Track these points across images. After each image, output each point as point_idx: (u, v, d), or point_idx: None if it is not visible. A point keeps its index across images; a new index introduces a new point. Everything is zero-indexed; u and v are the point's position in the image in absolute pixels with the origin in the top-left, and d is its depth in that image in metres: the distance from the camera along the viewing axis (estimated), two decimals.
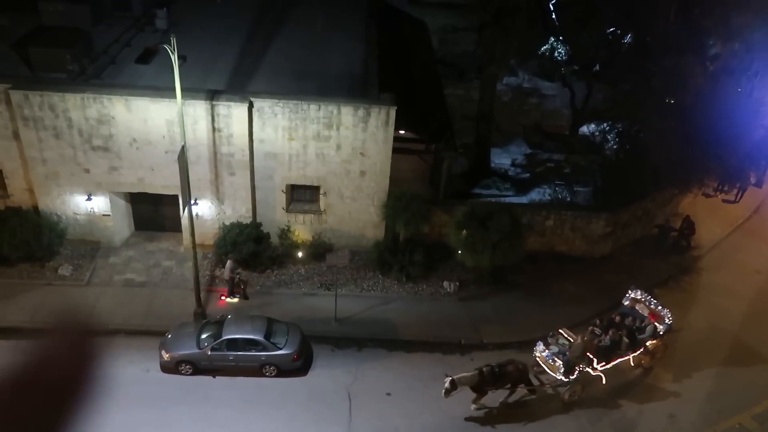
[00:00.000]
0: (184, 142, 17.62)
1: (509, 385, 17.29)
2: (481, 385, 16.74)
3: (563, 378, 17.63)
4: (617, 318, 19.07)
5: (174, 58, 16.12)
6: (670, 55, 25.70)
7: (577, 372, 17.64)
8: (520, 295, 22.10)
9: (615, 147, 27.63)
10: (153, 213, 23.27)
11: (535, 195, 26.28)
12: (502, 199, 25.18)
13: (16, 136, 20.75)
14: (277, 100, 20.62)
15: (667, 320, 18.88)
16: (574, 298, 22.00)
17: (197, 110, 20.24)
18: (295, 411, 17.09)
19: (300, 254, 22.29)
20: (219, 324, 18.46)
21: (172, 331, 18.54)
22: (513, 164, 28.60)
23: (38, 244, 20.87)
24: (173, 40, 16.02)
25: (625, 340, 18.46)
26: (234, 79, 22.52)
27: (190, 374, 17.87)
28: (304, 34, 26.53)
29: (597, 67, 29.20)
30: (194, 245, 18.59)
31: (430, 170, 25.72)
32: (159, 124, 20.39)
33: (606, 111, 28.87)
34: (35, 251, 20.93)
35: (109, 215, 22.07)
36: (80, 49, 22.30)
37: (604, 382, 18.10)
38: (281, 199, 22.47)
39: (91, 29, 24.06)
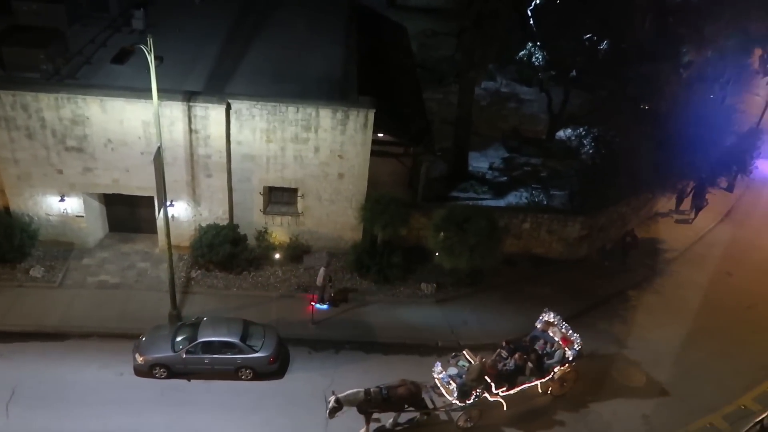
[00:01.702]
0: (160, 144, 17.44)
1: (406, 408, 16.48)
2: (366, 405, 15.80)
3: (457, 402, 16.82)
4: (526, 341, 18.63)
5: (150, 58, 15.97)
6: (645, 62, 26.14)
7: (473, 396, 16.89)
8: (497, 297, 22.22)
9: (591, 152, 27.91)
10: (128, 214, 22.98)
11: (512, 198, 26.46)
12: (480, 202, 25.33)
13: None
14: (255, 102, 20.51)
15: (576, 346, 18.03)
16: (550, 300, 22.11)
17: (174, 111, 20.05)
18: (271, 414, 16.95)
19: (277, 256, 22.18)
20: (194, 326, 18.26)
21: (146, 334, 18.31)
22: (491, 168, 28.78)
23: (9, 246, 20.51)
24: (150, 41, 15.87)
25: (530, 365, 17.68)
26: (212, 81, 22.38)
27: (165, 377, 17.64)
28: (284, 36, 26.45)
29: (574, 73, 29.55)
30: (170, 247, 18.40)
31: (409, 173, 25.76)
32: (135, 125, 20.16)
33: (582, 116, 29.25)
34: (6, 252, 20.56)
35: (82, 216, 21.76)
36: (55, 49, 21.98)
37: (505, 408, 17.28)
38: (259, 201, 22.34)
39: (67, 29, 23.75)
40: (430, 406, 17.04)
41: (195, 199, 21.81)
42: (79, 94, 19.78)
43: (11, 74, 21.07)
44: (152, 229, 22.41)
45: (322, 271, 20.55)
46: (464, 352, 17.98)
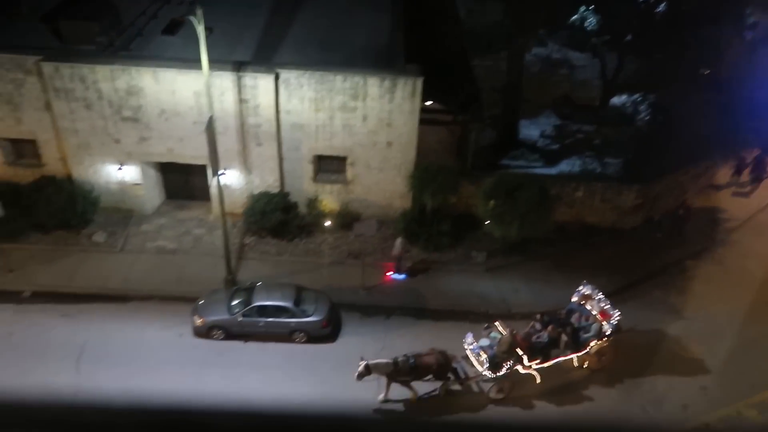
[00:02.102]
0: (212, 113, 17.75)
1: (430, 377, 16.46)
2: (394, 374, 16.06)
3: (488, 373, 16.70)
4: (562, 314, 18.23)
5: (200, 29, 16.16)
6: (706, 24, 25.05)
7: (504, 368, 16.72)
8: (547, 265, 21.97)
9: (647, 119, 27.16)
10: (183, 182, 23.56)
11: (564, 166, 25.95)
12: (531, 170, 24.94)
13: (48, 107, 21.09)
14: (303, 72, 20.60)
15: (613, 320, 17.57)
16: (602, 269, 21.81)
17: (224, 81, 20.32)
18: (324, 376, 17.31)
19: (327, 223, 22.42)
20: (249, 291, 18.72)
21: (203, 298, 18.87)
22: (542, 136, 28.25)
23: (73, 212, 21.31)
24: (199, 12, 16.05)
25: (564, 338, 17.37)
26: (260, 51, 22.52)
27: (222, 339, 18.20)
28: (331, 5, 26.33)
29: (629, 37, 28.55)
30: (223, 214, 18.81)
31: (457, 142, 25.55)
32: (187, 95, 20.53)
33: (638, 82, 28.34)
34: (70, 219, 21.37)
35: (140, 184, 22.41)
36: (108, 22, 22.47)
37: (538, 381, 17.09)
38: (308, 169, 22.55)
39: (118, 1, 24.19)
40: (462, 376, 16.96)
41: (246, 167, 22.17)
42: (133, 66, 20.25)
43: (68, 47, 21.65)
44: (206, 196, 22.93)
45: (398, 241, 20.66)
46: (496, 323, 17.71)
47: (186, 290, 19.70)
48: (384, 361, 16.05)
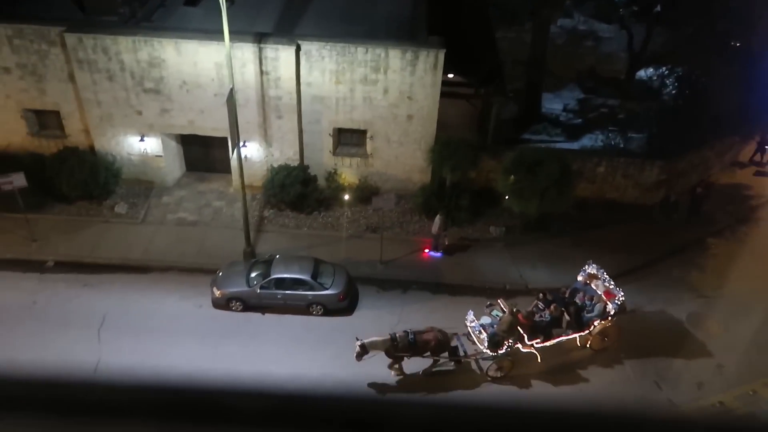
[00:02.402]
0: (233, 85, 17.74)
1: (428, 354, 16.42)
2: (393, 351, 16.03)
3: (488, 351, 16.56)
4: (566, 293, 17.95)
5: (222, 0, 16.07)
6: None
7: (505, 347, 16.56)
8: (567, 242, 21.81)
9: (673, 93, 26.53)
10: (203, 154, 23.73)
11: (586, 141, 25.59)
12: (553, 145, 24.63)
13: (71, 78, 21.27)
14: (324, 43, 20.43)
15: (617, 300, 17.29)
16: (621, 246, 21.62)
17: (245, 53, 20.26)
18: (341, 349, 17.46)
19: (346, 197, 22.46)
20: (267, 263, 18.92)
21: (222, 269, 19.12)
22: (565, 110, 27.82)
23: (95, 183, 21.61)
24: None
25: (566, 317, 17.17)
26: (281, 22, 22.38)
27: (241, 311, 18.47)
28: None
29: (658, 8, 27.76)
30: (243, 187, 18.93)
31: (479, 115, 25.26)
32: (208, 67, 20.53)
33: (666, 55, 27.62)
34: (92, 190, 21.69)
35: (161, 156, 22.61)
36: None
37: (539, 360, 16.89)
38: (328, 142, 22.53)
39: None
40: (461, 354, 16.92)
41: (266, 140, 22.22)
42: (155, 37, 20.25)
43: (91, 18, 21.72)
44: (226, 169, 23.07)
45: (437, 219, 20.61)
46: (499, 300, 17.52)
47: (205, 262, 19.98)
48: (380, 338, 15.96)
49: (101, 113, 21.75)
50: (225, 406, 1.40)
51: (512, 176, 20.41)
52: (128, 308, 18.35)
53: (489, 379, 16.95)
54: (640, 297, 19.95)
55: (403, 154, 22.59)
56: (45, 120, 22.86)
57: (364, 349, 15.80)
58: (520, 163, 20.51)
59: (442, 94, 21.46)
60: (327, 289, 18.38)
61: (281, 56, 20.40)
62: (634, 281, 20.63)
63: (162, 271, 19.90)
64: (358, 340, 15.85)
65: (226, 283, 18.55)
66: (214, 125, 21.49)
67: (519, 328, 16.69)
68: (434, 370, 16.97)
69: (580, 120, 27.18)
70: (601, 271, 17.93)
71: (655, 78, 28.21)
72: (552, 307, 17.19)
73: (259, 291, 18.23)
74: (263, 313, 18.54)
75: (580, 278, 18.27)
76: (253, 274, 18.66)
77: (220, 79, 20.55)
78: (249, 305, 18.47)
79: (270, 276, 18.31)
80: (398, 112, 21.65)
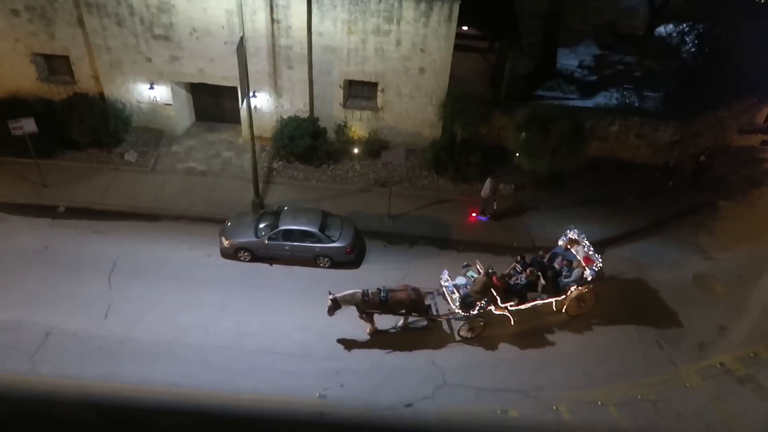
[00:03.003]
0: (243, 33, 17.46)
1: (401, 312, 16.46)
2: (363, 306, 16.02)
3: (460, 312, 16.52)
4: (545, 257, 17.78)
5: None
6: None
7: (477, 308, 16.49)
8: (576, 201, 21.70)
9: (693, 50, 25.88)
10: (213, 104, 23.57)
11: (601, 99, 25.12)
12: (566, 102, 24.21)
13: (80, 22, 21.00)
14: None
15: (595, 267, 17.01)
16: (632, 206, 21.52)
17: (256, 0, 19.87)
18: None
19: (356, 150, 22.35)
20: (276, 215, 19.00)
21: (231, 220, 19.24)
22: (580, 66, 27.25)
23: (105, 131, 21.59)
24: None
25: (542, 281, 17.03)
26: None
27: (249, 261, 18.65)
28: None
29: None
30: (252, 137, 18.85)
31: (493, 70, 24.84)
32: (218, 14, 20.19)
33: (687, 11, 26.85)
34: (102, 137, 21.68)
35: (171, 104, 22.49)
36: None
37: (512, 322, 16.84)
38: (339, 94, 22.29)
39: None
40: (433, 313, 16.91)
41: (277, 90, 22.00)
42: None
43: None
44: (236, 119, 22.95)
45: (488, 182, 20.36)
46: (476, 261, 17.42)
47: (214, 212, 20.10)
48: (352, 292, 15.99)
49: (110, 59, 21.55)
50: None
51: (524, 133, 20.21)
52: (138, 255, 18.58)
53: (459, 338, 16.91)
54: (647, 257, 19.98)
55: (413, 108, 22.34)
56: (54, 65, 22.69)
57: (336, 303, 15.87)
58: (533, 120, 20.27)
59: (456, 47, 21.07)
60: (334, 241, 18.48)
61: (293, 4, 20.01)
62: (641, 241, 20.65)
63: (172, 220, 20.05)
64: (330, 294, 15.89)
65: (235, 234, 18.69)
66: (224, 74, 21.27)
67: (493, 290, 16.58)
68: (408, 325, 17.01)
69: (595, 77, 26.65)
70: (582, 236, 17.68)
71: (674, 35, 27.47)
72: (528, 270, 17.00)
73: (267, 242, 18.37)
74: (271, 264, 18.72)
75: (560, 243, 18.07)
76: (261, 225, 18.77)
77: (231, 26, 20.24)
78: (257, 256, 18.64)
79: (278, 227, 18.41)
80: (410, 65, 21.31)
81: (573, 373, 16.37)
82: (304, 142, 21.60)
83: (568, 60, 27.37)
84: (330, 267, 18.66)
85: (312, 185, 21.73)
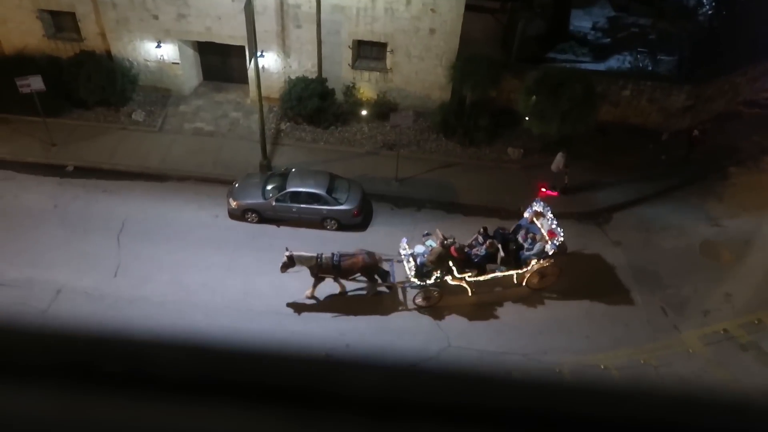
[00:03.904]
0: None
1: (354, 277, 16.31)
2: (316, 269, 15.93)
3: (415, 280, 16.37)
4: (504, 228, 17.45)
5: None
6: None
7: (433, 278, 16.33)
8: (586, 166, 21.49)
9: (710, 13, 25.28)
10: (220, 63, 23.35)
11: (613, 63, 24.69)
12: (578, 65, 23.81)
13: None
14: None
15: (557, 241, 16.60)
16: (640, 171, 21.36)
17: None
18: None
19: (364, 112, 22.18)
20: (283, 176, 19.00)
21: (239, 181, 19.26)
22: (593, 28, 26.70)
23: (112, 89, 21.47)
24: None
25: (501, 254, 16.72)
26: None
27: (256, 222, 18.75)
28: None
29: None
30: (260, 98, 18.73)
31: (504, 31, 24.41)
32: None
33: None
34: (109, 96, 21.58)
35: (178, 63, 22.30)
36: None
37: (470, 294, 16.74)
38: (347, 55, 22.01)
39: None
40: (388, 280, 16.75)
41: (285, 50, 21.75)
42: None
43: None
44: (243, 79, 22.75)
45: (559, 156, 19.93)
46: (436, 230, 17.12)
47: (222, 173, 20.11)
48: (307, 254, 15.92)
49: (117, 16, 21.31)
50: (148, 361, 1.34)
51: (534, 97, 19.93)
52: (146, 215, 18.70)
53: (415, 307, 16.81)
54: (654, 224, 19.93)
55: (423, 69, 22.07)
56: (61, 22, 22.47)
57: (291, 261, 15.74)
58: (543, 83, 19.96)
59: (467, 8, 20.69)
60: (341, 204, 18.52)
61: None
62: (650, 207, 20.58)
63: (179, 180, 20.10)
64: (287, 250, 15.81)
65: (243, 195, 18.74)
66: (232, 33, 21.01)
67: (450, 261, 16.39)
68: (363, 293, 16.93)
69: (608, 40, 26.14)
70: (547, 209, 17.29)
71: None
72: (488, 242, 16.80)
73: (274, 204, 18.42)
74: (278, 226, 18.80)
75: (526, 215, 17.76)
76: (269, 187, 18.80)
77: None
78: (264, 217, 18.72)
79: (285, 189, 18.43)
80: (420, 25, 20.97)
81: (576, 337, 16.54)
82: (312, 103, 21.44)
83: (581, 22, 26.82)
84: (337, 229, 18.73)
85: (320, 147, 21.66)
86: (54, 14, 22.18)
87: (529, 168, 21.50)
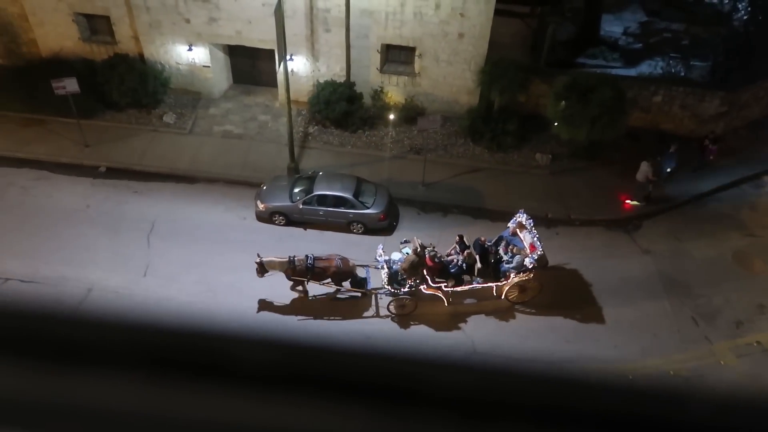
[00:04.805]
0: None
1: (327, 281, 16.22)
2: (290, 272, 15.89)
3: (388, 288, 16.05)
4: (483, 239, 16.95)
5: None
6: None
7: (408, 286, 16.03)
8: (615, 172, 21.25)
9: (745, 18, 24.84)
10: (250, 67, 23.60)
11: (645, 68, 24.37)
12: (609, 70, 23.55)
13: None
14: None
15: (536, 255, 16.09)
16: (669, 179, 21.01)
17: None
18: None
19: (391, 116, 22.19)
20: (311, 180, 19.10)
21: (266, 184, 19.42)
22: (625, 33, 26.41)
23: (144, 92, 21.82)
24: None
25: (478, 265, 16.32)
26: None
27: (283, 225, 18.86)
28: None
29: None
30: (289, 101, 18.86)
31: (533, 36, 24.25)
32: None
33: None
34: (141, 98, 21.94)
35: (209, 66, 22.58)
36: None
37: (446, 304, 16.39)
38: (375, 59, 22.07)
39: None
40: (361, 286, 16.55)
41: (313, 54, 21.89)
42: None
43: None
44: (272, 82, 22.95)
45: (645, 166, 19.58)
46: (414, 238, 16.82)
47: (250, 175, 20.28)
48: (278, 258, 15.89)
49: (150, 19, 21.66)
50: (230, 356, 1.36)
51: (563, 102, 19.77)
52: (176, 216, 18.95)
53: (390, 314, 16.56)
54: (685, 232, 19.59)
55: (451, 74, 22.02)
56: (96, 25, 22.92)
57: (262, 267, 15.76)
58: (573, 88, 19.79)
59: (496, 12, 20.59)
60: (368, 208, 18.54)
61: None
62: (680, 215, 20.25)
63: (208, 182, 20.33)
64: (258, 256, 15.79)
65: (270, 197, 18.88)
66: (261, 36, 21.21)
67: (425, 269, 16.10)
68: (337, 296, 16.81)
69: (640, 45, 25.81)
70: (530, 221, 16.88)
71: (726, 1, 26.37)
72: (465, 252, 16.42)
73: (301, 207, 18.53)
74: (305, 229, 18.90)
75: (510, 226, 17.37)
76: (296, 190, 18.91)
77: None
78: (291, 220, 18.83)
79: (312, 192, 18.52)
80: (449, 30, 20.94)
81: (604, 346, 16.31)
82: (339, 107, 21.53)
83: (612, 26, 26.55)
84: (363, 233, 18.77)
85: (347, 151, 21.73)
86: (89, 17, 22.64)
87: (557, 174, 21.30)
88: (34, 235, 17.95)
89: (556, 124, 20.41)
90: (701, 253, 18.85)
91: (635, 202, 20.24)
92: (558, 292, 17.28)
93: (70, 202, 19.20)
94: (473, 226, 19.34)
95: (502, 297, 16.85)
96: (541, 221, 19.55)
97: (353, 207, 18.47)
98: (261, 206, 18.80)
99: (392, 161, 21.38)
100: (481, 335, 16.33)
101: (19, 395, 1.21)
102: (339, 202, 18.48)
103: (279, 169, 20.27)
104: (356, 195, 18.58)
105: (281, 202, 18.71)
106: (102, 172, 20.37)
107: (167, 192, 19.84)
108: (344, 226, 18.76)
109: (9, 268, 16.89)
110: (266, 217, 18.89)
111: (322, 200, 18.50)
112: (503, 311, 16.90)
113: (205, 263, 17.48)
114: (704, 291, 17.81)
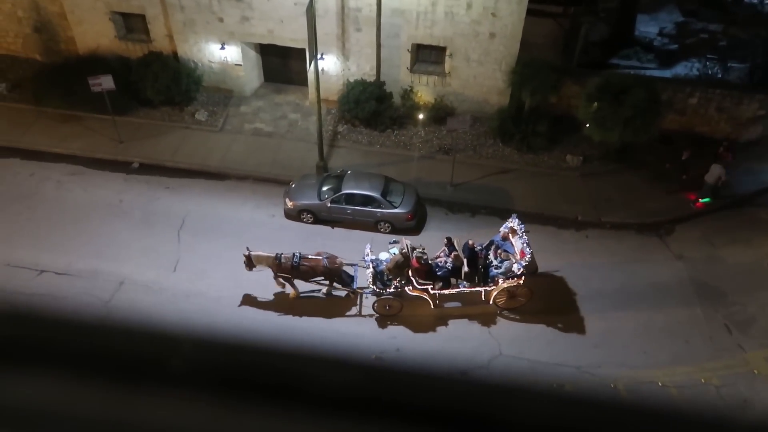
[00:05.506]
0: None
1: (314, 279, 16.15)
2: (276, 269, 15.87)
3: (373, 288, 15.93)
4: (471, 243, 16.64)
5: None
6: None
7: (393, 286, 15.90)
8: (647, 175, 20.92)
9: None
10: (281, 65, 23.78)
11: (680, 69, 23.91)
12: (643, 71, 23.15)
13: None
14: None
15: (524, 261, 15.76)
16: (702, 184, 20.55)
17: None
18: None
19: (421, 116, 22.15)
20: (339, 178, 19.17)
21: (295, 182, 19.54)
22: (660, 34, 25.93)
23: (177, 89, 22.15)
24: None
25: (465, 268, 16.11)
26: None
27: (311, 223, 18.97)
28: None
29: None
30: (319, 100, 18.95)
31: (565, 36, 23.97)
32: None
33: None
34: (174, 96, 22.27)
35: (240, 65, 22.81)
36: None
37: (432, 307, 16.30)
38: (406, 58, 22.05)
39: None
40: (348, 285, 16.49)
41: (344, 53, 21.96)
42: None
43: None
44: (303, 81, 23.09)
45: (715, 168, 19.49)
46: (403, 238, 16.63)
47: (279, 173, 20.45)
48: (266, 254, 15.90)
49: (184, 18, 21.97)
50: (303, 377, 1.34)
51: (595, 103, 19.50)
52: (206, 213, 19.19)
53: (375, 314, 16.43)
54: (719, 238, 19.17)
55: (482, 74, 21.88)
56: (131, 23, 23.35)
57: (250, 260, 15.83)
58: (605, 89, 19.50)
59: (528, 12, 20.40)
60: (396, 207, 18.53)
61: None
62: (715, 220, 19.81)
63: (238, 179, 20.55)
64: (247, 249, 15.83)
65: (299, 195, 19.00)
66: (293, 36, 21.36)
67: (410, 271, 15.92)
68: (324, 293, 16.77)
69: (675, 46, 25.33)
70: (521, 227, 16.48)
71: (766, 1, 25.73)
72: (453, 255, 16.24)
73: (329, 205, 18.60)
74: (332, 227, 18.97)
75: (502, 230, 17.02)
76: (324, 188, 18.99)
77: None
78: (319, 218, 18.92)
79: (341, 191, 18.58)
80: (480, 30, 20.81)
81: (633, 352, 16.04)
82: (369, 106, 21.56)
83: (647, 27, 26.10)
84: (390, 232, 18.75)
85: (376, 150, 21.76)
86: (125, 16, 23.07)
87: (587, 176, 21.02)
88: (68, 228, 18.37)
89: (587, 125, 20.14)
90: (736, 259, 18.42)
91: (706, 200, 19.89)
92: (587, 296, 17.05)
93: (103, 196, 19.58)
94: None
95: (491, 302, 16.63)
96: (570, 224, 19.37)
97: (381, 206, 18.48)
98: (289, 204, 18.93)
99: (421, 161, 21.34)
100: (508, 338, 16.20)
101: (90, 413, 1.22)
102: (367, 201, 18.51)
103: (308, 168, 20.39)
104: (384, 194, 18.59)
105: (309, 200, 18.82)
106: (135, 167, 20.73)
107: (198, 188, 20.11)
108: (372, 225, 18.78)
109: (44, 260, 17.31)
110: (294, 215, 19.01)
111: (350, 199, 18.55)
112: (529, 315, 16.72)
113: (234, 259, 17.60)
114: (738, 299, 17.40)
